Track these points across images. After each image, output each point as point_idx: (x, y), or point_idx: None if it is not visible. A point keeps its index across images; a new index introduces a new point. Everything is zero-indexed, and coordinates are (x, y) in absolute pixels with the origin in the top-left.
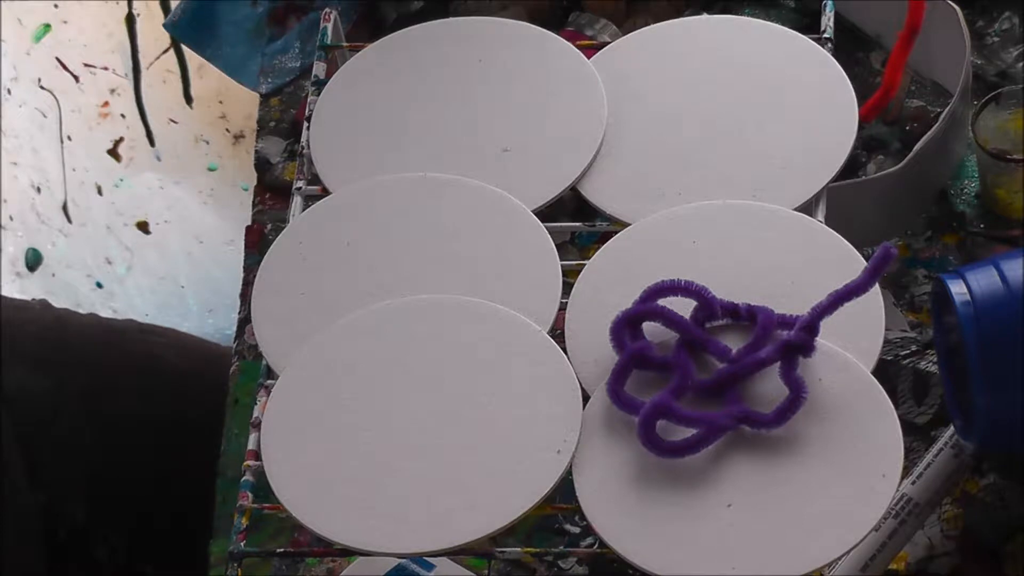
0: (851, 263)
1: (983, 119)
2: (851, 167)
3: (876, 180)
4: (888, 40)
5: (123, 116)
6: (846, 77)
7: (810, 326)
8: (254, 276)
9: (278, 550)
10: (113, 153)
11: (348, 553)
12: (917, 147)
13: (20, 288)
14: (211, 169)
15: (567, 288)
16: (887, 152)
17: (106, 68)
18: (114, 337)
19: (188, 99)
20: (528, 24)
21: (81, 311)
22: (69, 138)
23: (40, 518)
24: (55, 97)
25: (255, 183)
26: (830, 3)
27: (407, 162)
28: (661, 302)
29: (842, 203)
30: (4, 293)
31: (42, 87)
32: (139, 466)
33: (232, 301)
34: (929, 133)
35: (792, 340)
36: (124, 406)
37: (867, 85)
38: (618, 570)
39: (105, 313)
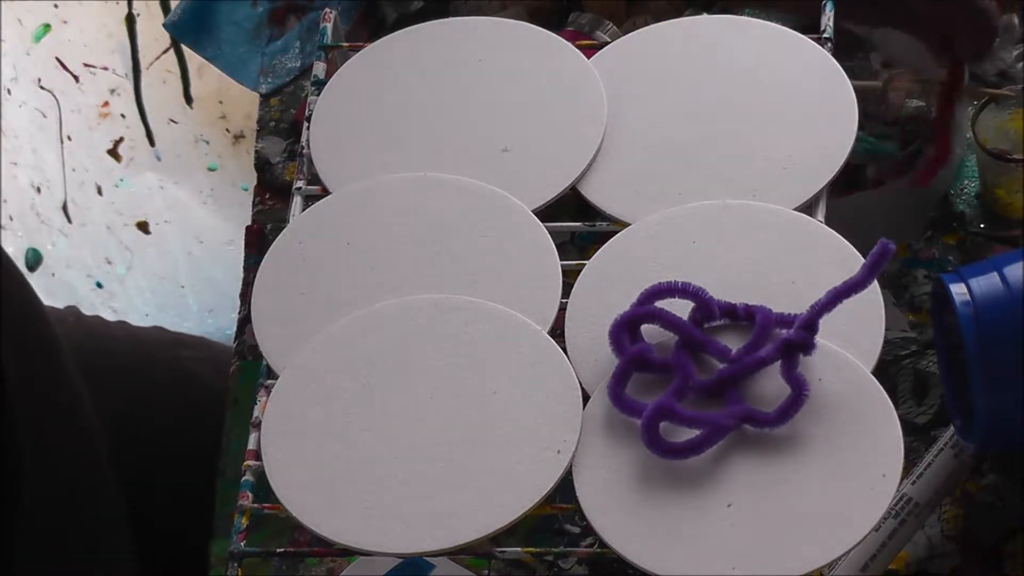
0: (851, 263)
1: (983, 119)
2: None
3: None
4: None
5: (123, 116)
6: (846, 77)
7: (809, 324)
8: (254, 276)
9: (278, 550)
10: (113, 153)
11: (348, 553)
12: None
13: None
14: (211, 169)
15: (567, 288)
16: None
17: (106, 68)
18: (146, 354)
19: (188, 99)
20: (528, 24)
21: (91, 310)
22: (69, 138)
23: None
24: (55, 97)
25: (255, 183)
26: (830, 3)
27: (407, 162)
28: (659, 303)
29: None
30: None
31: (42, 87)
32: (167, 483)
33: (232, 301)
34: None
35: (792, 338)
36: (156, 426)
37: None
38: (618, 570)
39: (105, 313)
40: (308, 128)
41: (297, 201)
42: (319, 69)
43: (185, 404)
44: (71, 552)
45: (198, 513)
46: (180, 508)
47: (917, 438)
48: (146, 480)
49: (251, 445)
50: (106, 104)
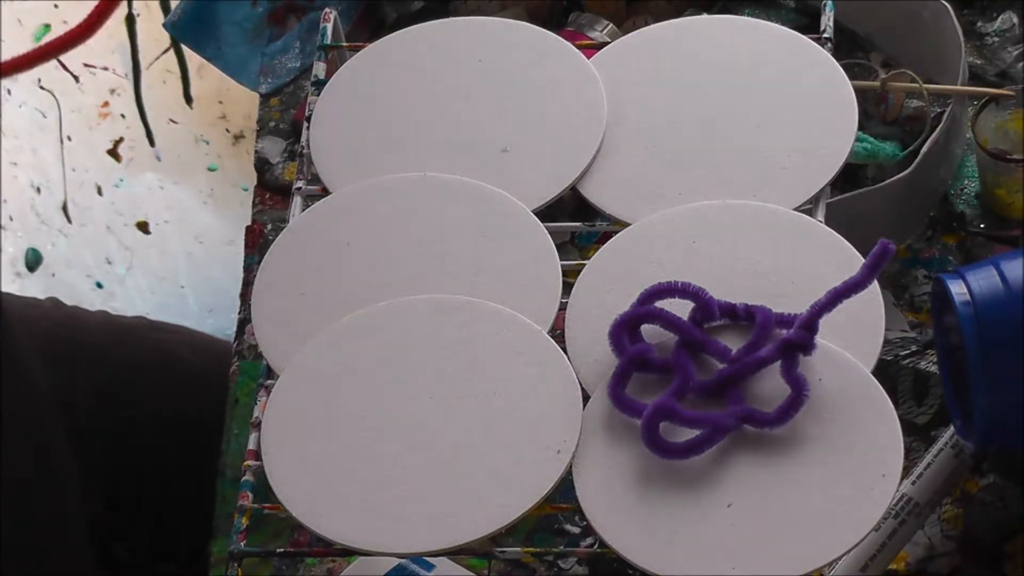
0: (851, 263)
1: (983, 119)
2: (851, 169)
3: (883, 188)
4: (881, 39)
5: (123, 116)
6: (846, 77)
7: (809, 324)
8: (254, 276)
9: (278, 550)
10: (113, 153)
11: (348, 553)
12: (924, 150)
13: (20, 288)
14: (211, 169)
15: (567, 288)
16: None
17: (106, 68)
18: (125, 334)
19: (188, 99)
20: (528, 24)
21: (91, 308)
22: (69, 138)
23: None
24: (55, 97)
25: (255, 183)
26: (830, 3)
27: (407, 162)
28: (659, 303)
29: (849, 213)
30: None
31: (42, 87)
32: (153, 464)
33: (232, 301)
34: (932, 136)
35: (792, 338)
36: (138, 404)
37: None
38: (618, 570)
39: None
40: (308, 128)
41: (297, 201)
42: (319, 69)
43: (166, 382)
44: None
45: (194, 504)
46: (170, 487)
47: (917, 438)
48: (131, 458)
49: (251, 445)
50: (106, 104)
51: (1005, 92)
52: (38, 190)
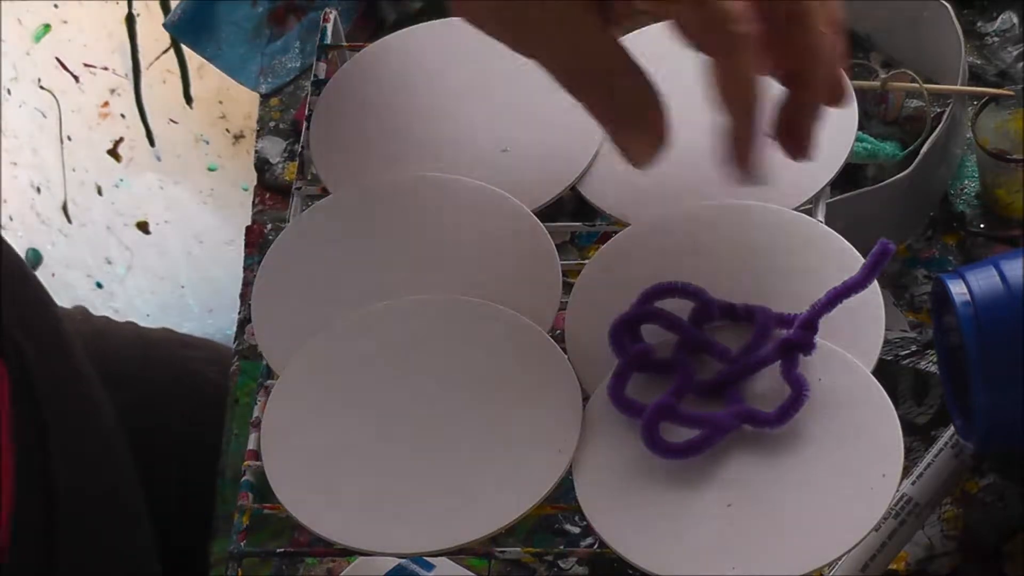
0: (851, 263)
1: (983, 119)
2: (851, 169)
3: (883, 188)
4: (879, 38)
5: (123, 116)
6: (846, 77)
7: (809, 323)
8: (254, 276)
9: (278, 550)
10: (113, 153)
11: (348, 553)
12: (924, 150)
13: None
14: (211, 169)
15: (567, 288)
16: None
17: (106, 68)
18: (153, 351)
19: (188, 99)
20: None
21: (119, 319)
22: (69, 138)
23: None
24: (55, 97)
25: (255, 183)
26: None
27: (407, 162)
28: (659, 303)
29: (849, 213)
30: None
31: (42, 87)
32: (179, 481)
33: (232, 301)
34: (932, 136)
35: (791, 338)
36: (165, 423)
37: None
38: (618, 570)
39: (105, 314)
40: (308, 128)
41: (297, 201)
42: (319, 69)
43: (192, 405)
44: (103, 535)
45: (200, 515)
46: (183, 509)
47: (917, 438)
48: (151, 478)
49: (251, 445)
50: (106, 104)
51: (1005, 92)
52: (38, 190)
